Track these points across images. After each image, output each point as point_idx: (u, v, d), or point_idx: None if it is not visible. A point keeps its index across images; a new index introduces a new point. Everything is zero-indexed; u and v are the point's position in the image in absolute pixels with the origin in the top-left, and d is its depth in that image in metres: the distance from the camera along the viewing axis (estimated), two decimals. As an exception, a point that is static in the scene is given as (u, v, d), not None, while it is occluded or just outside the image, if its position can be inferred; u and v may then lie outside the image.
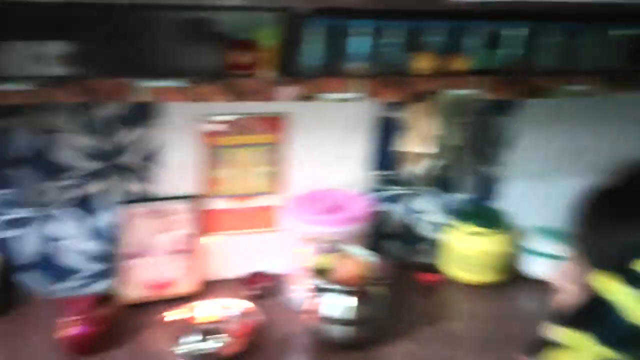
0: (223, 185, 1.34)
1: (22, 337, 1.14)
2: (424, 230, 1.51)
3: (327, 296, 1.08)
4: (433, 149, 1.29)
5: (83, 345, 1.05)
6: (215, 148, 1.31)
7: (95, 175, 1.26)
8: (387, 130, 1.39)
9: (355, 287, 1.06)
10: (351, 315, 1.05)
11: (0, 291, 1.23)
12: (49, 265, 1.30)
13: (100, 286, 1.34)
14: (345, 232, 1.20)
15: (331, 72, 1.12)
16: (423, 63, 1.13)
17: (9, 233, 1.26)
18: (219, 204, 1.36)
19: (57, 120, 1.19)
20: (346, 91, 1.09)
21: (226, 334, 1.07)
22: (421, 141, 1.31)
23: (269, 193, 1.38)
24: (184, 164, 1.30)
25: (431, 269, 1.42)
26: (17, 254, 1.27)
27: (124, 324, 1.18)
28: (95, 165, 1.25)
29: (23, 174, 1.22)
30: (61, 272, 1.31)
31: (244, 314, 1.22)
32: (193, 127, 1.27)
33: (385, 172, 1.43)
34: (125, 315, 1.20)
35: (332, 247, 1.19)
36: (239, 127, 1.30)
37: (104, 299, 1.16)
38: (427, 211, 1.49)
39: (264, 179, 1.36)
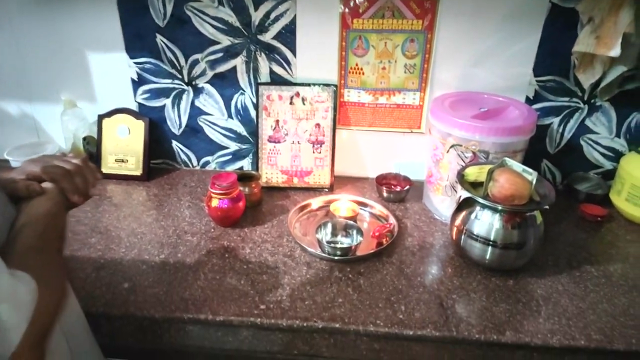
0: (363, 76, 1.23)
1: (170, 201, 1.23)
2: (596, 155, 1.28)
3: (474, 211, 0.97)
4: (618, 52, 1.02)
5: (226, 218, 1.09)
6: (356, 32, 1.18)
7: (235, 51, 1.22)
8: (561, 25, 1.13)
9: (507, 206, 0.93)
10: (498, 236, 0.94)
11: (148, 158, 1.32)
12: (196, 139, 1.35)
13: (241, 166, 1.38)
14: (502, 144, 1.04)
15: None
16: None
17: (155, 102, 1.31)
18: (358, 97, 1.26)
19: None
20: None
21: (361, 233, 1.04)
22: (604, 41, 1.04)
23: (413, 90, 1.24)
24: (323, 48, 1.20)
25: (599, 201, 1.23)
26: (165, 123, 1.33)
27: (263, 204, 1.22)
28: (235, 40, 1.21)
29: (166, 43, 1.23)
30: (206, 147, 1.36)
31: (380, 216, 1.18)
32: (334, 6, 1.15)
33: (553, 78, 1.20)
34: (264, 196, 1.23)
35: (487, 159, 1.05)
36: (383, 9, 1.15)
37: (246, 177, 1.18)
38: (601, 132, 1.25)
39: (408, 72, 1.22)
